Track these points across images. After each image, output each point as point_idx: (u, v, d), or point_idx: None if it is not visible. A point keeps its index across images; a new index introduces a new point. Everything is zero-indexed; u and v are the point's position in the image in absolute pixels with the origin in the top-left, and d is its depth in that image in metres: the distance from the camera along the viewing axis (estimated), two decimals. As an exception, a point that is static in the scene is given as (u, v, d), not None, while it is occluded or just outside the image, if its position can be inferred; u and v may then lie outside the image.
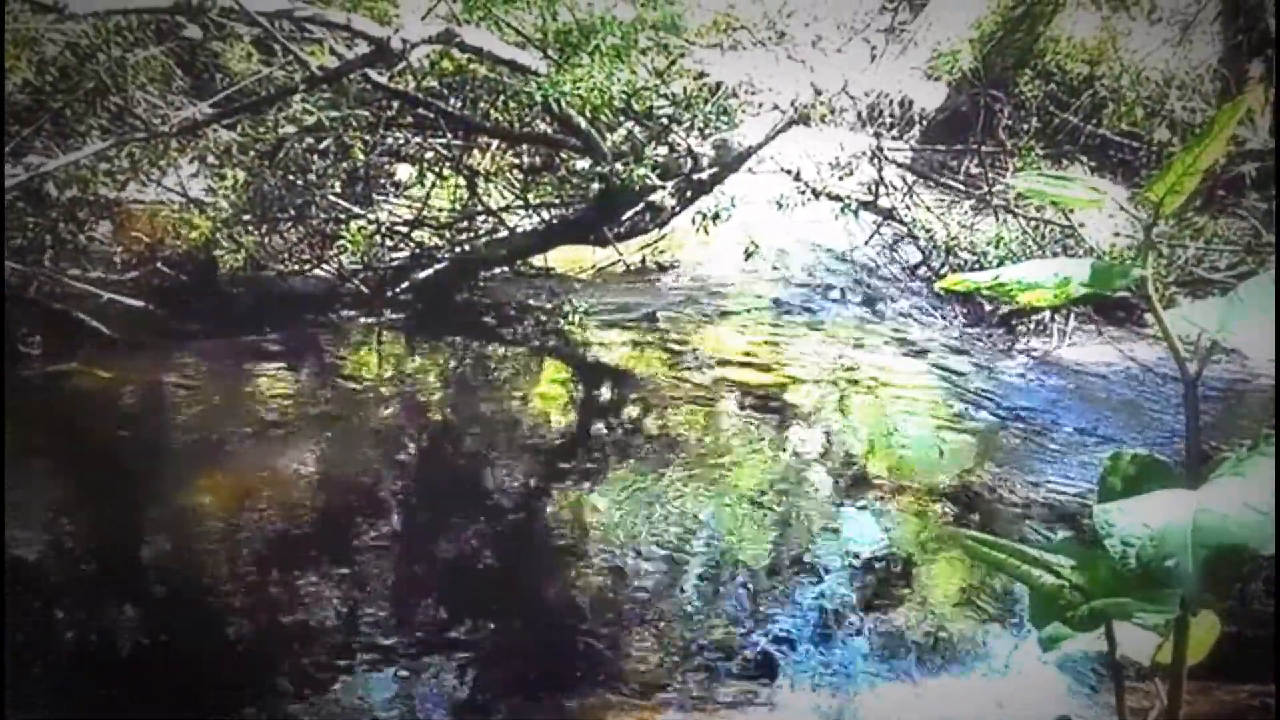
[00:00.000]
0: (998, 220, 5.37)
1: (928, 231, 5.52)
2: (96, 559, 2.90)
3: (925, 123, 7.25)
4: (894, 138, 6.85)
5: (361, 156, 4.73)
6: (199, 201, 4.53)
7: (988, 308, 4.91)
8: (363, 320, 4.69)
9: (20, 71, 3.93)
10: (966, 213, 5.66)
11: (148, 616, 2.64)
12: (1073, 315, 4.74)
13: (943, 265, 5.35)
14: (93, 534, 3.05)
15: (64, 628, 2.56)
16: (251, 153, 4.54)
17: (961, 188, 5.92)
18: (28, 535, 2.89)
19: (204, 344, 4.38)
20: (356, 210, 4.92)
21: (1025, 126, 6.43)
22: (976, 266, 5.07)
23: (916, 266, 5.58)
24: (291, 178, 4.76)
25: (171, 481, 3.34)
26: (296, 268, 4.85)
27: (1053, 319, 4.78)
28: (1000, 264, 4.86)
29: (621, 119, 4.83)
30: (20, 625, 2.52)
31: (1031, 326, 4.83)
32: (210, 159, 4.47)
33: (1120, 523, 0.91)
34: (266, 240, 4.80)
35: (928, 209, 5.70)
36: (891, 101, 7.11)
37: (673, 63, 4.85)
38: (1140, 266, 1.02)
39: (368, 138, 4.69)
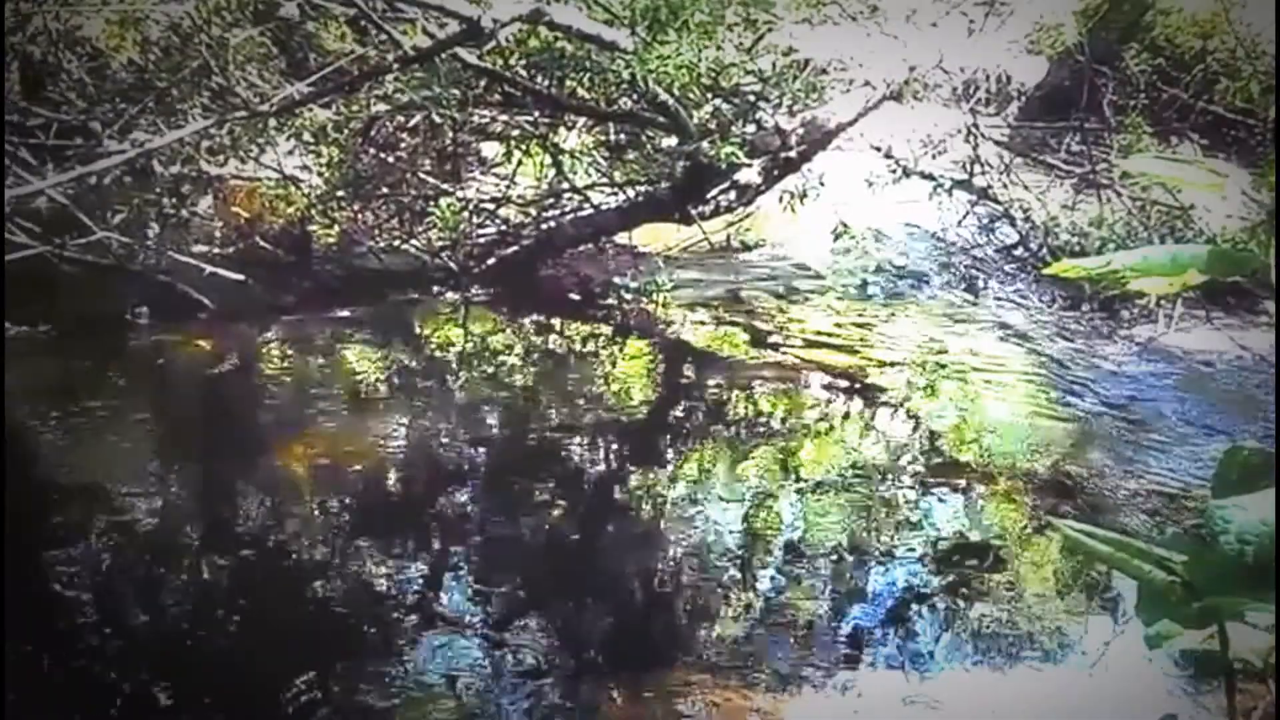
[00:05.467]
0: (1101, 201, 5.15)
1: (1025, 211, 5.34)
2: (196, 521, 3.01)
3: (1024, 99, 6.99)
4: (991, 114, 6.62)
5: (450, 134, 4.77)
6: (294, 178, 4.64)
7: (1088, 290, 4.72)
8: (449, 296, 4.75)
9: (125, 51, 4.07)
10: (1067, 192, 5.44)
11: (237, 576, 2.72)
12: (1180, 300, 4.54)
13: (1041, 247, 5.16)
14: (192, 497, 3.17)
15: (159, 584, 2.66)
16: (345, 131, 4.62)
17: (1063, 166, 5.70)
18: (133, 499, 3.01)
19: (298, 317, 4.51)
20: (445, 187, 4.97)
21: (1131, 103, 6.15)
22: (1078, 248, 4.88)
23: (1013, 247, 5.40)
24: (383, 155, 4.83)
25: (264, 449, 3.45)
26: (386, 244, 4.93)
27: (1159, 304, 4.58)
28: (1103, 246, 4.67)
29: (708, 96, 4.77)
30: (126, 576, 2.63)
31: (1135, 311, 4.64)
32: (306, 137, 4.57)
33: (1237, 518, 0.87)
34: (358, 216, 4.90)
35: (1026, 188, 5.50)
36: (989, 77, 6.87)
37: (760, 38, 4.76)
38: (1263, 254, 0.97)
39: (457, 116, 4.73)
